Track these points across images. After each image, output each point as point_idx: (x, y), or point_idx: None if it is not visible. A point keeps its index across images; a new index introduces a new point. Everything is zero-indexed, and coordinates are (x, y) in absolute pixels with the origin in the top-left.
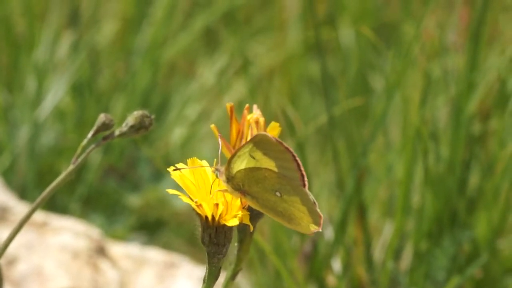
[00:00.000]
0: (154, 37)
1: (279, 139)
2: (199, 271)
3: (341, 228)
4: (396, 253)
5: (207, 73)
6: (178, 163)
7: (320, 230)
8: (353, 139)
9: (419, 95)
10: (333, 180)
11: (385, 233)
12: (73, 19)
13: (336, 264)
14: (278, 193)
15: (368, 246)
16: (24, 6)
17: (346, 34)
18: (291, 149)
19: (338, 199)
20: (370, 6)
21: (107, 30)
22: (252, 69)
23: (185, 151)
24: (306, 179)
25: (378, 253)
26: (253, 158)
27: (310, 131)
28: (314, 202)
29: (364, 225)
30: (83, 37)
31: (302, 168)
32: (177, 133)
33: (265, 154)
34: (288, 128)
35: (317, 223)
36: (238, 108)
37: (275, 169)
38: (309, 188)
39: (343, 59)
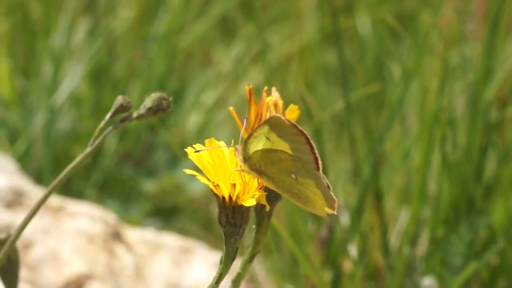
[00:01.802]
0: (171, 24)
1: (292, 122)
2: (214, 256)
3: (357, 214)
4: (412, 240)
5: (224, 60)
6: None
7: (335, 213)
8: (370, 126)
9: (436, 82)
10: (349, 167)
11: (401, 220)
12: (90, 5)
13: (353, 250)
14: (293, 175)
15: (384, 232)
16: None
17: (363, 22)
18: (305, 132)
19: (355, 186)
20: None
21: (123, 17)
22: (270, 56)
23: (201, 138)
24: (319, 162)
25: (394, 239)
26: (269, 139)
27: (327, 118)
28: (328, 186)
29: (380, 211)
30: (100, 23)
31: (316, 151)
32: (193, 120)
33: (279, 136)
34: (305, 113)
35: (331, 206)
36: (255, 95)
37: (290, 152)
38: (326, 174)
39: (360, 47)
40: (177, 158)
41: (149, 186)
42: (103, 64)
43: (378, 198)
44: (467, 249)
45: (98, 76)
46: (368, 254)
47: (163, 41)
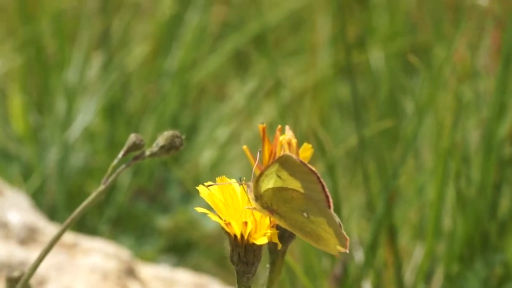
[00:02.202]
0: (184, 59)
1: (303, 161)
2: None
3: (371, 250)
4: (427, 276)
5: (237, 95)
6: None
7: (347, 252)
8: (384, 161)
9: (450, 117)
10: (363, 202)
11: (415, 256)
12: (103, 41)
13: (367, 287)
14: (305, 214)
15: (398, 268)
16: (54, 27)
17: (376, 56)
18: (315, 170)
19: (369, 221)
20: (400, 28)
21: (137, 52)
22: (283, 91)
23: (215, 173)
24: (331, 201)
25: (408, 275)
26: (280, 177)
27: (340, 153)
28: (340, 224)
29: (394, 247)
30: (114, 58)
31: (327, 190)
32: (207, 155)
33: (291, 174)
34: (319, 150)
35: (343, 245)
36: (269, 130)
37: (301, 190)
38: (339, 210)
39: (373, 81)
40: (190, 194)
41: (163, 222)
42: (117, 99)
43: (392, 234)
44: (483, 286)
45: (112, 111)
46: None
47: (176, 76)
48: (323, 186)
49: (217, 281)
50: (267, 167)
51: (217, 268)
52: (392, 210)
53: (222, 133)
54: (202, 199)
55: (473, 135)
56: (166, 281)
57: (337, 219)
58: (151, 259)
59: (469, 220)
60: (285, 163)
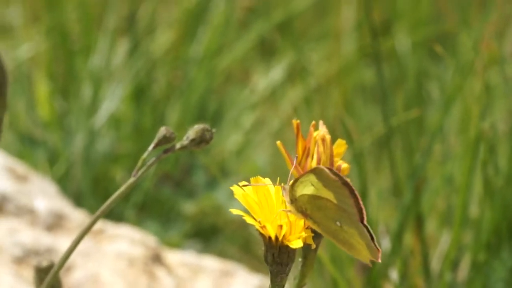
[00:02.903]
0: (210, 46)
1: (337, 173)
2: (255, 279)
3: (398, 238)
4: (454, 264)
5: (263, 81)
6: (233, 171)
7: (380, 261)
8: (411, 148)
9: (478, 105)
10: (390, 189)
11: (442, 244)
12: (130, 26)
13: (393, 274)
14: (338, 223)
15: (425, 256)
16: (80, 12)
17: (402, 42)
18: (349, 183)
19: (395, 209)
20: (426, 14)
21: (163, 38)
22: (308, 77)
23: (240, 159)
24: (364, 213)
25: (435, 263)
26: (314, 186)
27: (367, 141)
28: (372, 237)
29: (421, 235)
30: (139, 44)
31: (361, 203)
32: (232, 141)
33: (325, 186)
34: (345, 138)
35: (375, 256)
36: (295, 117)
37: (335, 201)
38: (366, 197)
39: (399, 67)
40: (216, 180)
41: (188, 207)
42: (143, 85)
43: (419, 222)
44: (510, 275)
45: (138, 97)
46: (409, 279)
47: (202, 62)
48: (356, 200)
49: (242, 267)
50: (303, 174)
51: (242, 254)
52: (419, 198)
53: (248, 119)
54: (228, 185)
55: (501, 123)
56: (192, 268)
57: (369, 231)
58: (177, 244)
59: (496, 209)
60: (319, 174)
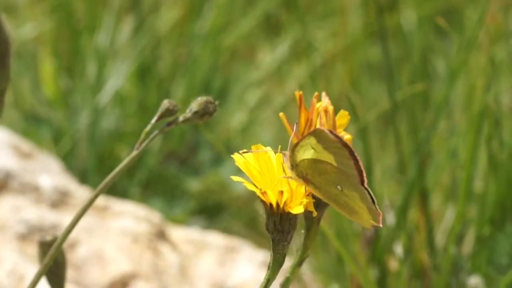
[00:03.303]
0: (215, 23)
1: (337, 135)
2: (260, 255)
3: (403, 212)
4: (458, 238)
5: (268, 58)
6: (238, 148)
7: (381, 226)
8: (416, 124)
9: (482, 80)
10: (394, 164)
11: (447, 218)
12: (134, 4)
13: (398, 249)
14: (339, 187)
15: (430, 231)
16: None
17: (408, 18)
18: (349, 145)
19: (400, 184)
20: None
21: (168, 15)
22: (314, 54)
23: (246, 136)
24: (364, 175)
25: (440, 238)
26: (315, 150)
27: (372, 117)
28: (373, 200)
29: (426, 210)
30: (145, 22)
31: (361, 165)
32: (238, 118)
33: (325, 148)
34: (351, 113)
35: (376, 220)
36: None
37: (335, 164)
38: (371, 172)
39: (405, 43)
40: (221, 157)
41: (194, 184)
42: (148, 63)
43: (424, 197)
44: None
45: (143, 75)
46: (414, 253)
47: (207, 40)
48: (356, 162)
49: (247, 243)
50: (303, 138)
51: (247, 230)
52: (424, 173)
53: (253, 96)
54: (233, 162)
55: (506, 97)
56: (197, 244)
57: (370, 194)
58: (182, 221)
59: (501, 183)
60: (319, 136)
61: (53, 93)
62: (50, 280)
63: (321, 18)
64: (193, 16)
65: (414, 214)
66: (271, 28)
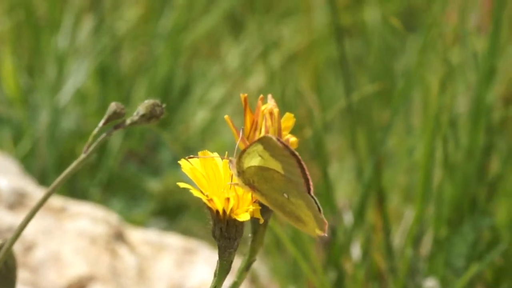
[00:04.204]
0: (177, 21)
1: (284, 143)
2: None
3: (360, 213)
4: (416, 240)
5: (231, 56)
6: (198, 147)
7: (326, 235)
8: (373, 123)
9: (439, 80)
10: (352, 164)
11: (405, 219)
12: (95, 3)
13: (355, 251)
14: (285, 195)
15: (387, 232)
16: None
17: (373, 16)
18: (296, 153)
19: (358, 184)
20: None
21: (129, 14)
22: (275, 53)
23: (207, 135)
24: (311, 184)
25: (397, 239)
26: (262, 157)
27: (330, 116)
28: (319, 209)
29: (383, 211)
30: (105, 21)
31: (307, 174)
32: (200, 116)
33: (272, 156)
34: (308, 113)
35: (322, 229)
36: (260, 93)
37: (282, 172)
38: (328, 174)
39: (367, 42)
40: (181, 157)
41: (154, 184)
42: (108, 61)
43: (381, 197)
44: (471, 250)
45: (103, 74)
46: (370, 256)
47: (169, 38)
48: (303, 170)
49: (206, 245)
50: (250, 145)
51: (208, 231)
52: (381, 173)
53: (215, 94)
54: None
55: (463, 99)
56: (155, 246)
57: (316, 203)
58: (142, 222)
59: (457, 184)
60: (266, 144)
61: (13, 92)
62: (1, 284)
63: (286, 15)
64: (154, 14)
65: (371, 215)
66: (234, 25)
